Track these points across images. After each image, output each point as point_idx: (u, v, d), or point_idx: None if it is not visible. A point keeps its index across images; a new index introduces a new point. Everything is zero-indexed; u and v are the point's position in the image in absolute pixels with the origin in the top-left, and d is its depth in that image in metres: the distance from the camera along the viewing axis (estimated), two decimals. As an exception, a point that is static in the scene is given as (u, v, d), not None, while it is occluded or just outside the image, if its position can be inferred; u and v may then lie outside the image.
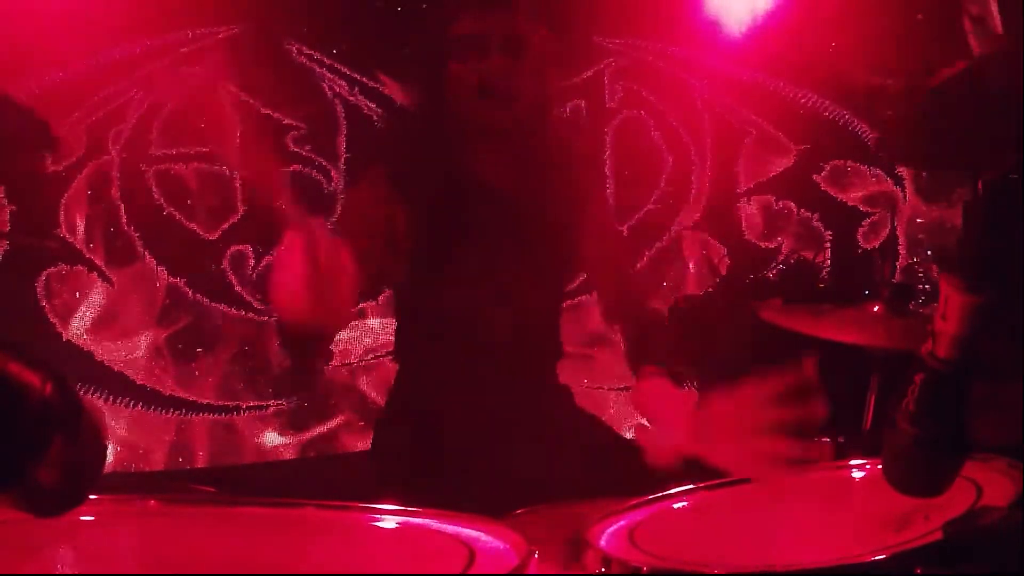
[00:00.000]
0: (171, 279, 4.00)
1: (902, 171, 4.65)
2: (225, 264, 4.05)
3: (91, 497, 1.45)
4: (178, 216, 4.00)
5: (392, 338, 2.70)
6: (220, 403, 4.07)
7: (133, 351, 3.99)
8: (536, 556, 1.55)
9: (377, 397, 4.10)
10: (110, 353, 3.96)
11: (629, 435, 3.92)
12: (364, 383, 4.18)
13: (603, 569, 1.62)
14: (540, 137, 2.51)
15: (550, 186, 2.53)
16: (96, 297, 3.95)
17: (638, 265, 4.41)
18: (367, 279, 2.63)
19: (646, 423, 2.28)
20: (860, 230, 4.63)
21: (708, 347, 3.84)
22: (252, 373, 4.09)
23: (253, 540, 1.74)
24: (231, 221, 4.05)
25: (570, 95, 4.34)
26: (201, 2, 3.89)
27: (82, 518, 1.73)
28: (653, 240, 4.46)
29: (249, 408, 4.10)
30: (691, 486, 1.96)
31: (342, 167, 4.16)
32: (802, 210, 4.58)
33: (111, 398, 3.93)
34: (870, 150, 4.59)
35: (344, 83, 4.16)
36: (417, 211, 2.48)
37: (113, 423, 3.94)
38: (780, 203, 4.58)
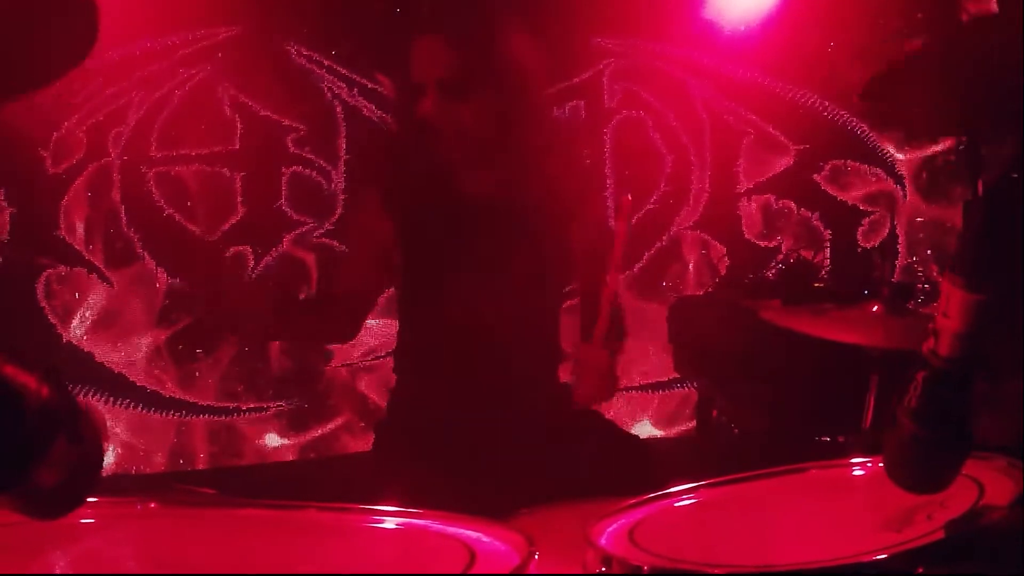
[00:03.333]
0: (171, 280, 3.99)
1: (902, 170, 4.65)
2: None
3: (91, 499, 1.45)
4: (178, 217, 4.00)
5: (392, 339, 2.70)
6: (220, 405, 4.07)
7: (133, 352, 3.98)
8: (536, 557, 1.55)
9: (377, 398, 4.10)
10: (110, 354, 3.96)
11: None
12: (364, 384, 4.18)
13: (604, 568, 1.62)
14: (518, 153, 2.51)
15: (540, 193, 2.53)
16: (96, 298, 3.94)
17: (637, 266, 4.41)
18: (364, 290, 2.65)
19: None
20: (860, 229, 4.62)
21: (708, 347, 3.84)
22: (252, 375, 4.08)
23: (254, 542, 1.74)
24: (231, 222, 4.05)
25: (569, 96, 4.34)
26: (200, 3, 3.89)
27: (83, 520, 1.73)
28: (653, 240, 4.46)
29: (249, 410, 4.10)
30: (692, 485, 1.96)
31: (342, 168, 4.16)
32: (802, 209, 4.57)
33: (111, 400, 3.93)
34: (865, 135, 4.58)
35: (343, 84, 4.16)
36: (413, 220, 2.49)
37: (113, 425, 3.93)
38: (780, 203, 4.58)
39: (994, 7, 4.29)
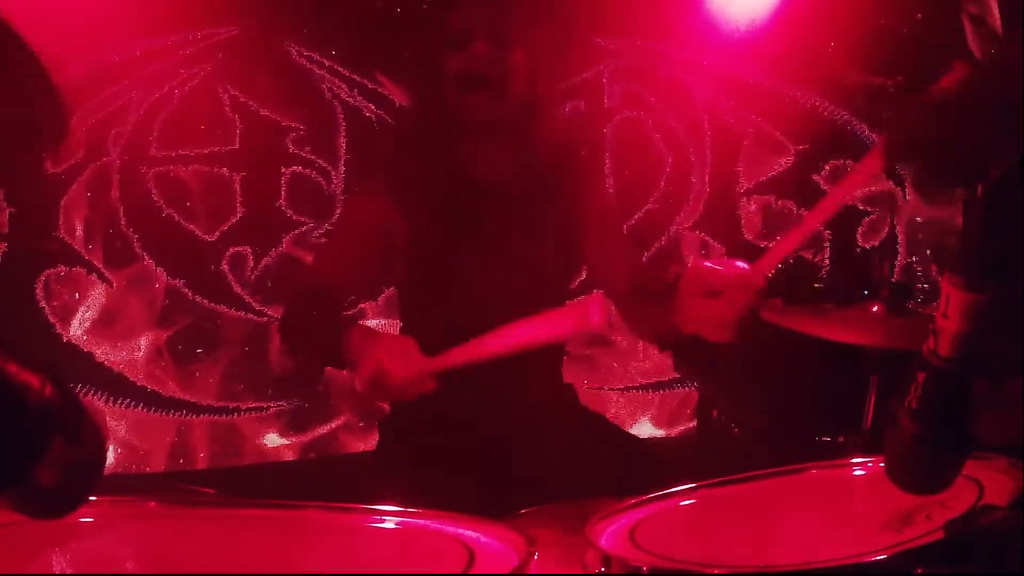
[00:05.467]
0: (171, 280, 3.99)
1: (902, 170, 4.65)
2: (224, 265, 4.05)
3: (91, 499, 1.45)
4: (177, 218, 4.00)
5: (392, 339, 2.69)
6: (220, 404, 4.07)
7: (133, 352, 3.98)
8: (536, 556, 1.55)
9: (377, 398, 4.09)
10: (110, 354, 3.96)
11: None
12: (364, 384, 4.17)
13: (603, 568, 1.62)
14: (537, 134, 2.50)
15: (551, 184, 2.53)
16: (96, 298, 3.94)
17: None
18: (367, 284, 2.63)
19: None
20: (859, 229, 4.63)
21: (708, 347, 3.83)
22: (252, 374, 4.08)
23: (254, 541, 1.74)
24: (230, 222, 4.05)
25: (569, 95, 4.33)
26: (200, 3, 3.89)
27: (82, 520, 1.73)
28: (653, 240, 4.46)
29: (249, 409, 4.09)
30: (692, 485, 1.96)
31: (342, 168, 4.16)
32: (802, 210, 4.57)
33: (111, 399, 3.93)
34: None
35: (343, 84, 4.16)
36: (418, 212, 2.48)
37: (113, 424, 3.93)
38: (779, 203, 4.58)
39: (995, 9, 4.29)
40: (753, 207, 4.56)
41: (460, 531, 1.70)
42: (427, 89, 2.50)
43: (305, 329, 2.41)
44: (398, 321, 2.74)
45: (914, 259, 4.65)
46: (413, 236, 2.48)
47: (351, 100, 4.16)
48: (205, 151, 4.02)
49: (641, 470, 2.41)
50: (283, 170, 4.11)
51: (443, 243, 2.47)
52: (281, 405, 4.12)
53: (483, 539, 1.67)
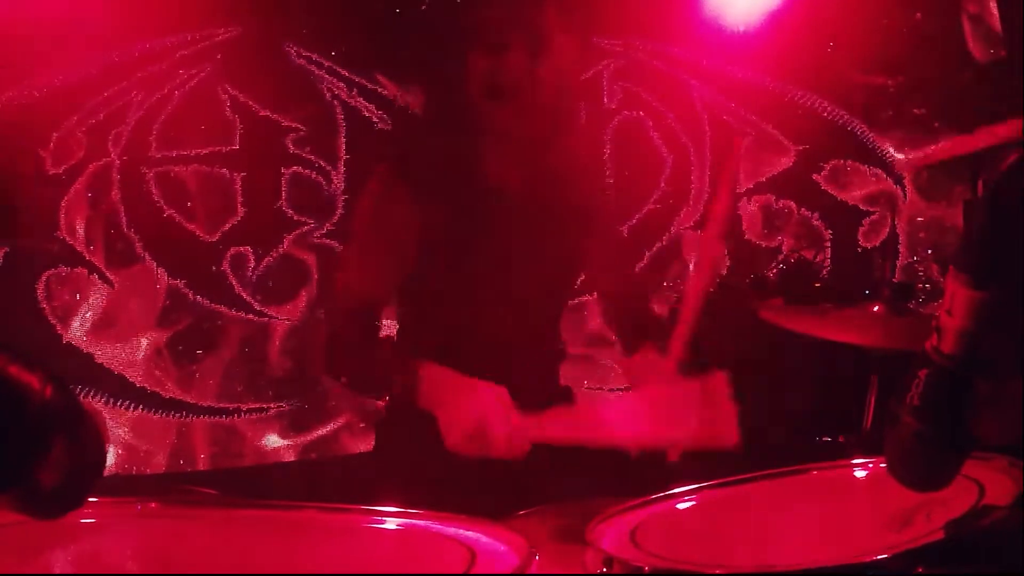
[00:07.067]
0: (171, 281, 3.99)
1: (902, 170, 4.65)
2: (225, 266, 4.05)
3: (91, 499, 1.45)
4: (178, 218, 4.00)
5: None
6: (221, 405, 4.06)
7: (133, 353, 3.98)
8: (537, 557, 1.55)
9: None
10: (110, 355, 3.95)
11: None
12: (364, 384, 4.17)
13: (605, 569, 1.62)
14: (552, 142, 2.48)
15: (557, 189, 2.52)
16: (96, 299, 3.94)
17: (638, 266, 4.41)
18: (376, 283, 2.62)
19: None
20: (860, 229, 4.62)
21: (709, 347, 3.83)
22: (252, 375, 4.08)
23: (254, 542, 1.74)
24: (231, 223, 4.05)
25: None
26: (199, 4, 3.89)
27: (83, 521, 1.73)
28: (653, 240, 4.45)
29: (250, 410, 4.09)
30: (693, 486, 1.96)
31: (342, 169, 4.16)
32: (802, 209, 4.57)
33: (111, 400, 3.93)
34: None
35: (343, 85, 4.16)
36: (428, 216, 2.47)
37: (113, 426, 3.93)
38: (780, 203, 4.58)
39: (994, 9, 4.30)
40: (753, 207, 4.56)
41: (461, 532, 1.71)
42: (437, 92, 2.48)
43: (357, 362, 2.38)
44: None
45: (915, 259, 4.65)
46: (422, 241, 2.47)
47: (351, 100, 4.16)
48: (205, 151, 4.02)
49: (641, 471, 2.41)
50: (283, 170, 4.11)
51: (449, 248, 2.46)
52: (281, 406, 4.11)
53: (484, 540, 1.67)
